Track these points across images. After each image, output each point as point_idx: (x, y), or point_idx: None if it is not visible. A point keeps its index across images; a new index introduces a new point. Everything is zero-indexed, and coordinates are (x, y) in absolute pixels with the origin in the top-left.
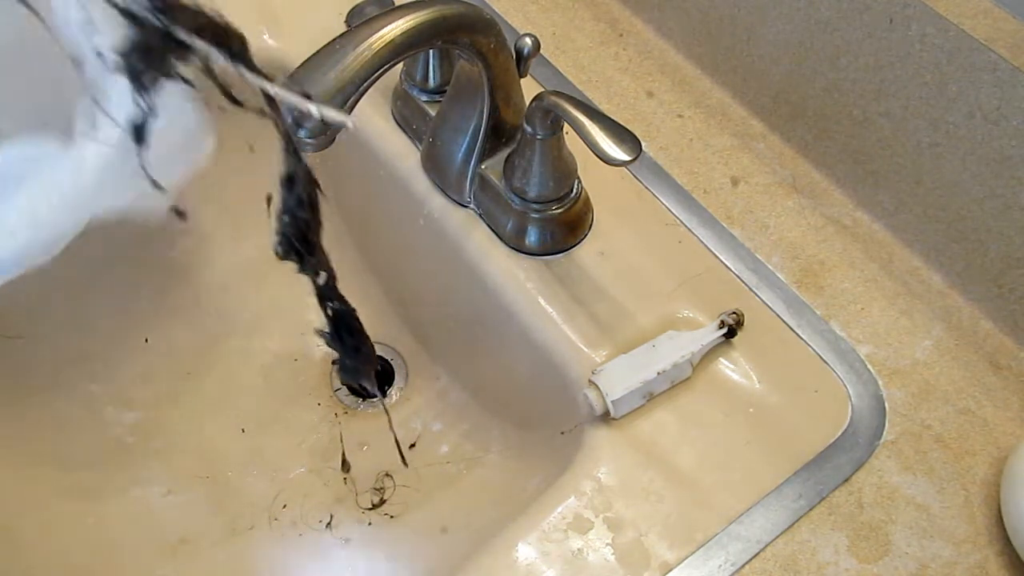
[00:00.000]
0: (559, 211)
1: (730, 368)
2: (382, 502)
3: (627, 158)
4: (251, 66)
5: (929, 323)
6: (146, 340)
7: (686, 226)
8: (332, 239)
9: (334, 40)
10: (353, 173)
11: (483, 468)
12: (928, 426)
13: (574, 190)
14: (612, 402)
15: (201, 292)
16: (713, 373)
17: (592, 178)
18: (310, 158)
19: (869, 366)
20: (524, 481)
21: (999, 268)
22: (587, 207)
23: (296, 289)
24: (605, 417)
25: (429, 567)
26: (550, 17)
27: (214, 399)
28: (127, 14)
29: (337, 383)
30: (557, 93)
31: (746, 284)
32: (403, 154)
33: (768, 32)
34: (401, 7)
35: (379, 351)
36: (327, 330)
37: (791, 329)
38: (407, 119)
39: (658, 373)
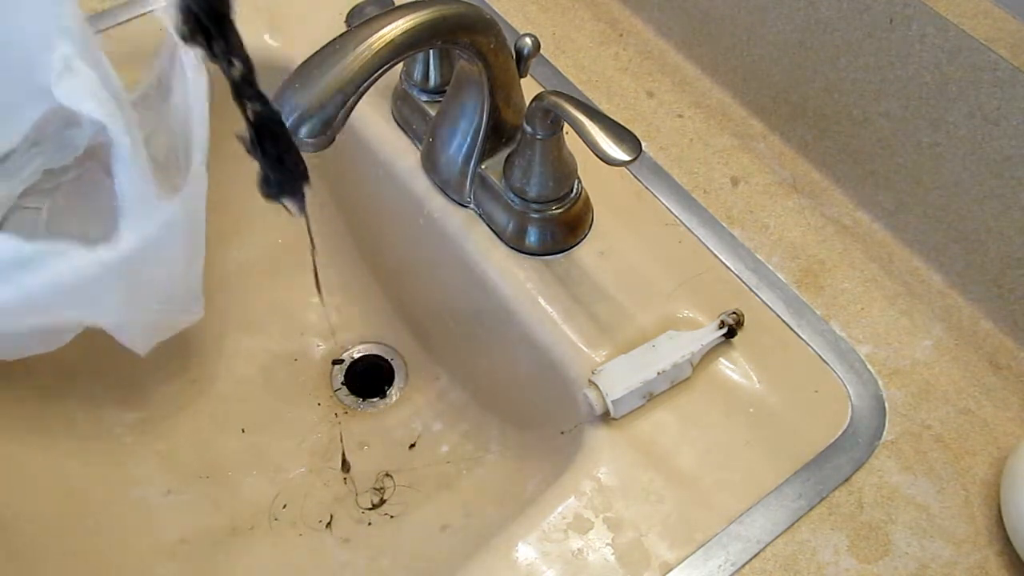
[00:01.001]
0: (559, 211)
1: (730, 368)
2: (382, 502)
3: (627, 158)
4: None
5: (929, 323)
6: None
7: (686, 226)
8: (332, 239)
9: (334, 40)
10: (353, 173)
11: (483, 468)
12: (928, 426)
13: (574, 190)
14: (612, 402)
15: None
16: (713, 373)
17: (592, 178)
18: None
19: (869, 366)
20: (524, 481)
21: (999, 268)
22: (587, 207)
23: (296, 289)
24: (605, 417)
25: (429, 567)
26: (550, 17)
27: (214, 399)
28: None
29: (337, 383)
30: (557, 93)
31: (746, 284)
32: (403, 154)
33: (768, 32)
34: (401, 7)
35: (379, 351)
36: (246, 135)
37: (791, 329)
38: (407, 119)
39: (658, 373)
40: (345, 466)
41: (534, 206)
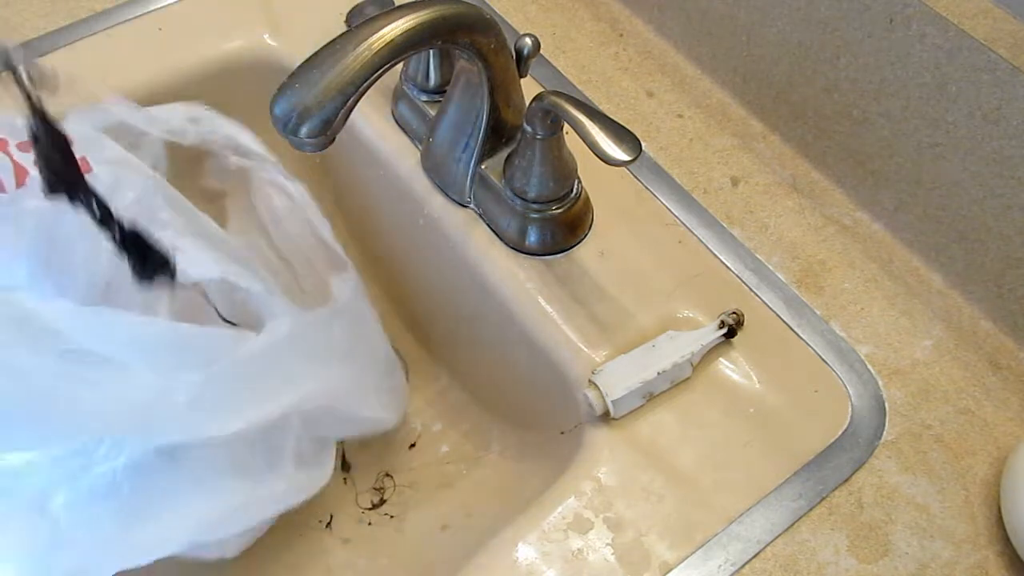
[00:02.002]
0: (559, 211)
1: (730, 368)
2: (382, 502)
3: (627, 158)
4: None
5: (929, 323)
6: None
7: (686, 226)
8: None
9: (334, 40)
10: (353, 173)
11: (483, 468)
12: (928, 426)
13: (574, 190)
14: (612, 402)
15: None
16: (713, 373)
17: (592, 178)
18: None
19: (869, 366)
20: (524, 481)
21: (999, 268)
22: (587, 207)
23: None
24: (605, 417)
25: (429, 567)
26: (550, 17)
27: None
28: None
29: None
30: (557, 93)
31: (746, 284)
32: (403, 154)
33: (768, 32)
34: (401, 7)
35: None
36: (118, 250)
37: (791, 329)
38: (407, 119)
39: (658, 373)
40: (345, 466)
41: (534, 206)
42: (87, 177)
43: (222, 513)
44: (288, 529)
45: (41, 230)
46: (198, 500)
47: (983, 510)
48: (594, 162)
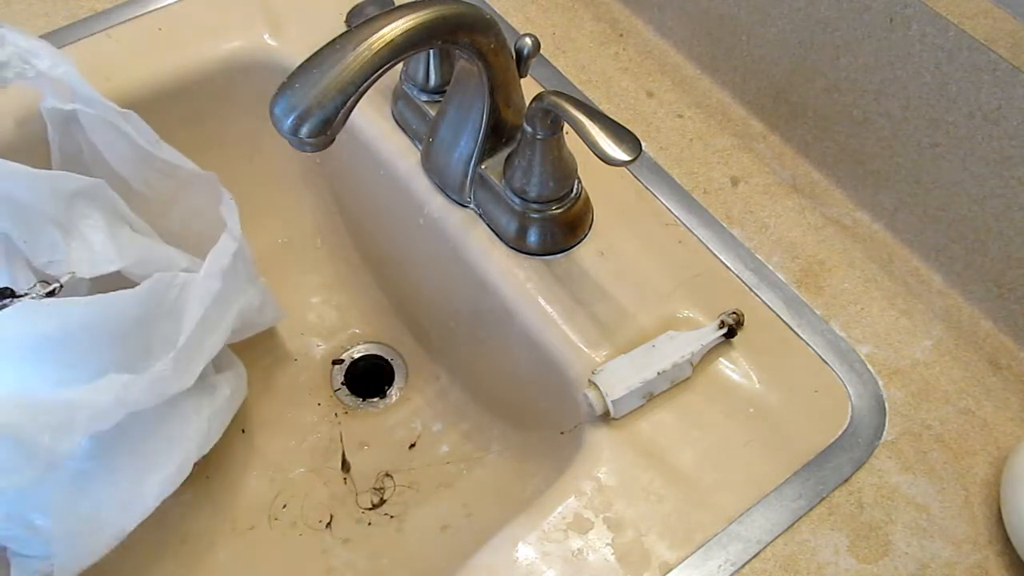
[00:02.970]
0: (559, 211)
1: (730, 368)
2: (382, 502)
3: (627, 158)
4: None
5: (929, 323)
6: None
7: (686, 226)
8: (332, 238)
9: (334, 40)
10: (353, 173)
11: (483, 468)
12: (928, 426)
13: (574, 190)
14: (612, 402)
15: None
16: (713, 373)
17: (592, 178)
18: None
19: (869, 366)
20: (524, 481)
21: (999, 268)
22: (587, 207)
23: (296, 289)
24: (605, 417)
25: (429, 567)
26: (550, 17)
27: None
28: None
29: (337, 383)
30: (557, 93)
31: (746, 284)
32: (403, 154)
33: (768, 32)
34: (401, 7)
35: (379, 351)
36: None
37: (791, 329)
38: (407, 119)
39: (658, 373)
40: (345, 466)
41: (534, 206)
42: None
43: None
44: (288, 529)
45: None
46: None
47: (983, 510)
48: (594, 162)
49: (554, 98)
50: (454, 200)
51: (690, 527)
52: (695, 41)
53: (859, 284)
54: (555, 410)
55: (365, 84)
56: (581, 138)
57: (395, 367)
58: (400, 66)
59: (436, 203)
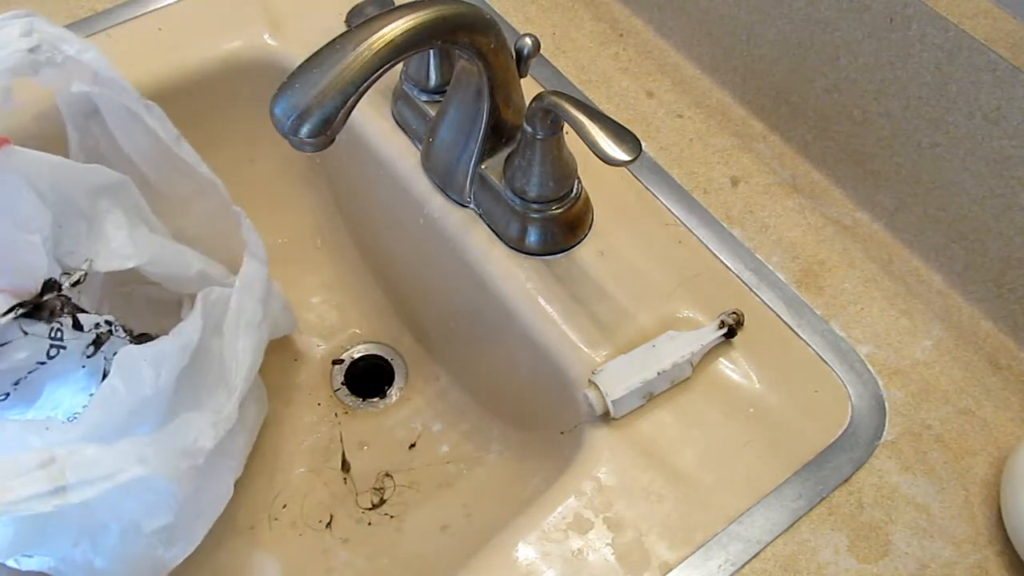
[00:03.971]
0: (559, 211)
1: (730, 368)
2: (382, 502)
3: (627, 158)
4: None
5: (929, 323)
6: None
7: (686, 226)
8: (332, 238)
9: (334, 40)
10: (353, 173)
11: (483, 468)
12: (928, 426)
13: (574, 190)
14: (612, 402)
15: None
16: (713, 373)
17: (592, 178)
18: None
19: (869, 366)
20: (524, 481)
21: (999, 268)
22: (587, 207)
23: (296, 289)
24: (605, 417)
25: (429, 567)
26: (550, 17)
27: None
28: None
29: (337, 383)
30: (557, 93)
31: (746, 284)
32: (403, 154)
33: (768, 32)
34: (401, 7)
35: (379, 351)
36: None
37: (791, 329)
38: (407, 119)
39: (658, 373)
40: (345, 466)
41: (534, 206)
42: None
43: None
44: (288, 529)
45: None
46: None
47: (983, 510)
48: (594, 162)
49: (554, 98)
50: (454, 200)
51: (690, 527)
52: (695, 41)
53: (859, 284)
54: (555, 410)
55: (365, 84)
56: (581, 138)
57: (395, 367)
58: (400, 66)
59: (436, 203)
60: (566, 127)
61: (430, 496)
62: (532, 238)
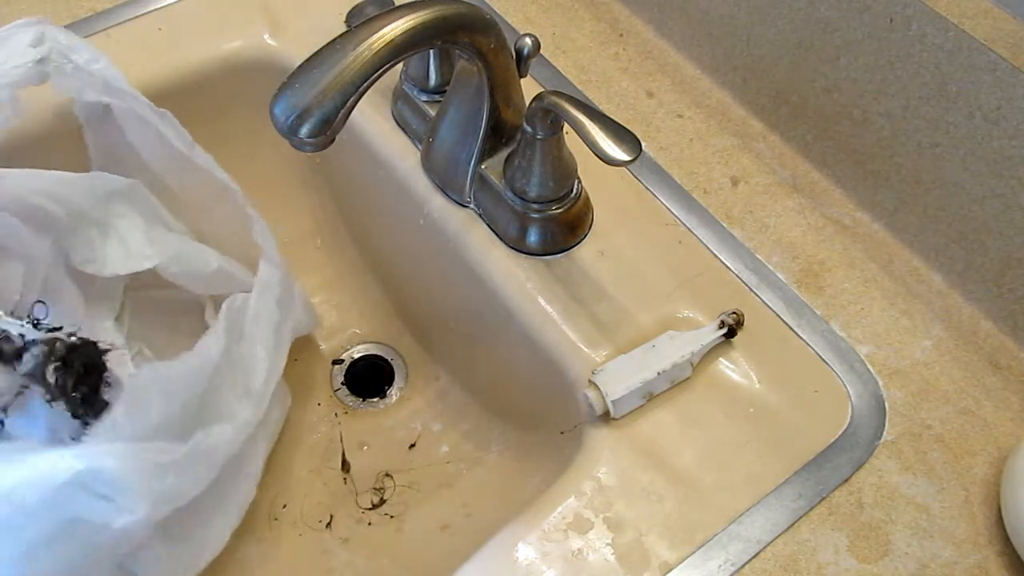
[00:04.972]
0: (559, 211)
1: (730, 368)
2: (382, 502)
3: (627, 158)
4: None
5: (929, 323)
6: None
7: (686, 226)
8: (332, 238)
9: (334, 40)
10: (353, 173)
11: (483, 468)
12: (928, 426)
13: (574, 190)
14: (612, 402)
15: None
16: (713, 373)
17: (592, 178)
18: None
19: (869, 366)
20: (524, 481)
21: (999, 268)
22: (587, 207)
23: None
24: (605, 417)
25: (429, 567)
26: (550, 17)
27: None
28: None
29: (337, 383)
30: (557, 93)
31: (746, 284)
32: (403, 154)
33: (768, 32)
34: (401, 7)
35: (379, 351)
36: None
37: (791, 329)
38: (407, 119)
39: (658, 373)
40: (345, 466)
41: (534, 206)
42: None
43: None
44: (288, 529)
45: None
46: None
47: (983, 510)
48: (594, 162)
49: (554, 98)
50: (454, 200)
51: (690, 527)
52: (695, 41)
53: (859, 284)
54: (555, 410)
55: (365, 84)
56: (581, 138)
57: (395, 367)
58: (400, 66)
59: (436, 203)
60: (566, 127)
61: (430, 496)
62: (532, 238)
